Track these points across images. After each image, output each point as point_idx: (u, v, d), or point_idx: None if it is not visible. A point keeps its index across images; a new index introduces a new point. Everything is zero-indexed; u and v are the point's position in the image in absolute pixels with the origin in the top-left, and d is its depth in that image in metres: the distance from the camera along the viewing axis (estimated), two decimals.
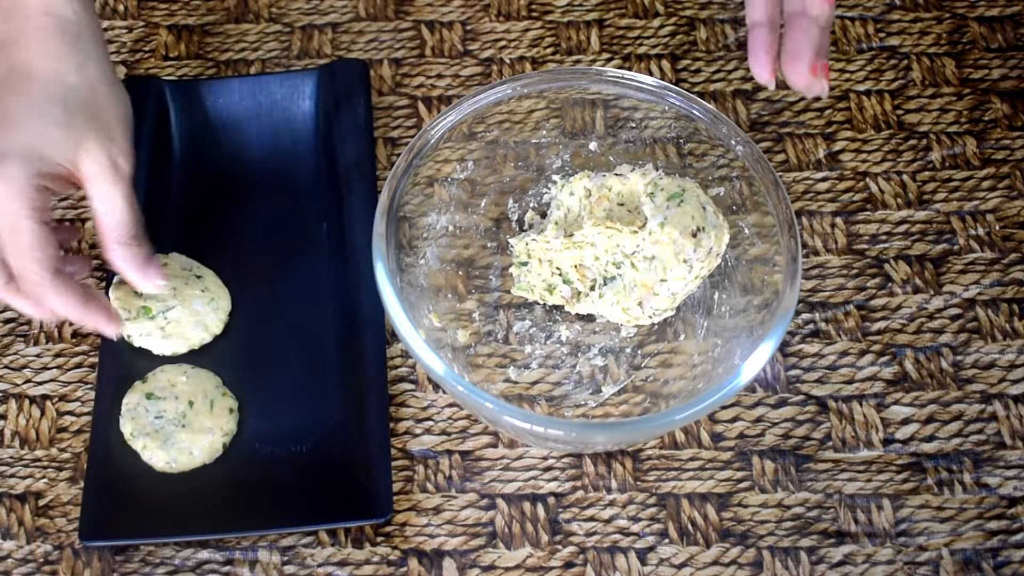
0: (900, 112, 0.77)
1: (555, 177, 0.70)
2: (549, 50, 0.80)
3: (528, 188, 0.71)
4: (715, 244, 0.64)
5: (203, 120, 0.75)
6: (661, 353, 0.68)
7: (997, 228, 0.73)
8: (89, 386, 0.68)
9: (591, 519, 0.64)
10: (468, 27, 0.81)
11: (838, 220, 0.73)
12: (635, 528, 0.64)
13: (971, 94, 0.78)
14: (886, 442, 0.66)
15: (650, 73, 0.78)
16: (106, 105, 0.63)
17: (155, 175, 0.73)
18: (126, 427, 0.65)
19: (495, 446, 0.66)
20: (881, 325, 0.69)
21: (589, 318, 0.69)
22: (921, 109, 0.77)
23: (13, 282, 0.61)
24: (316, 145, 0.75)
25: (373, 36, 0.81)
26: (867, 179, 0.74)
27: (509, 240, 0.70)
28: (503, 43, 0.80)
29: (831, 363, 0.68)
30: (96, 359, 0.68)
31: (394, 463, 0.65)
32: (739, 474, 0.65)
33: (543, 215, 0.71)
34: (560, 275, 0.68)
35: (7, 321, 0.70)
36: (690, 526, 0.64)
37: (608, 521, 0.64)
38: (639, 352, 0.68)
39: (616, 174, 0.67)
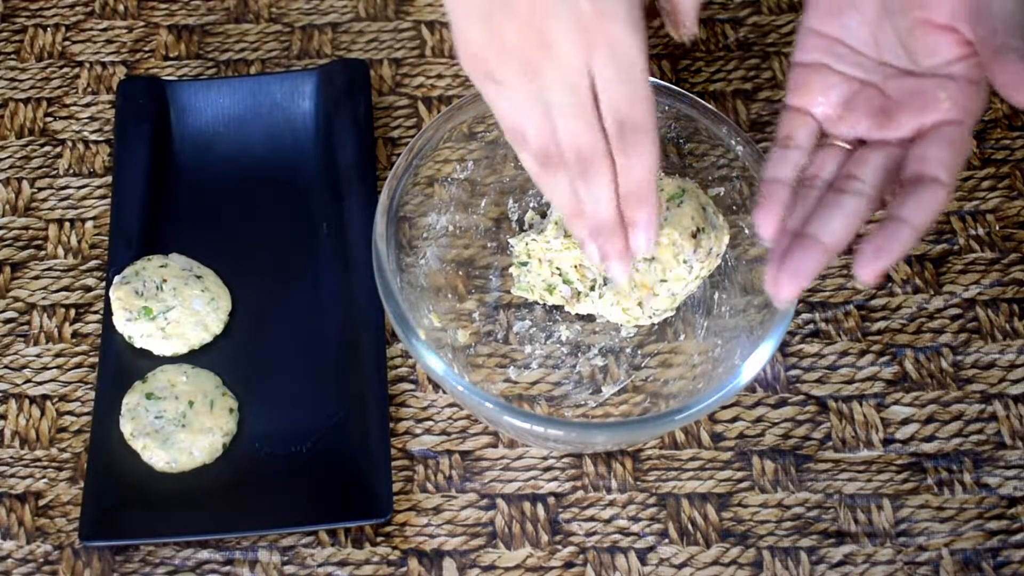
0: None
1: None
2: None
3: (528, 188, 0.71)
4: (715, 245, 0.64)
5: (203, 120, 0.75)
6: (661, 353, 0.68)
7: (997, 228, 0.73)
8: (89, 386, 0.68)
9: (591, 519, 0.64)
10: None
11: None
12: (635, 528, 0.64)
13: None
14: (886, 442, 0.66)
15: (650, 73, 0.78)
16: None
17: (155, 175, 0.73)
18: (126, 427, 0.65)
19: (495, 446, 0.66)
20: (881, 325, 0.69)
21: (589, 318, 0.69)
22: None
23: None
24: (316, 145, 0.75)
25: (373, 36, 0.81)
26: None
27: (509, 240, 0.70)
28: None
29: (831, 363, 0.68)
30: (96, 359, 0.68)
31: (394, 463, 0.65)
32: (739, 474, 0.65)
33: (543, 215, 0.71)
34: (560, 275, 0.68)
35: (7, 321, 0.70)
36: (690, 526, 0.64)
37: (608, 521, 0.64)
38: (639, 352, 0.68)
39: None
